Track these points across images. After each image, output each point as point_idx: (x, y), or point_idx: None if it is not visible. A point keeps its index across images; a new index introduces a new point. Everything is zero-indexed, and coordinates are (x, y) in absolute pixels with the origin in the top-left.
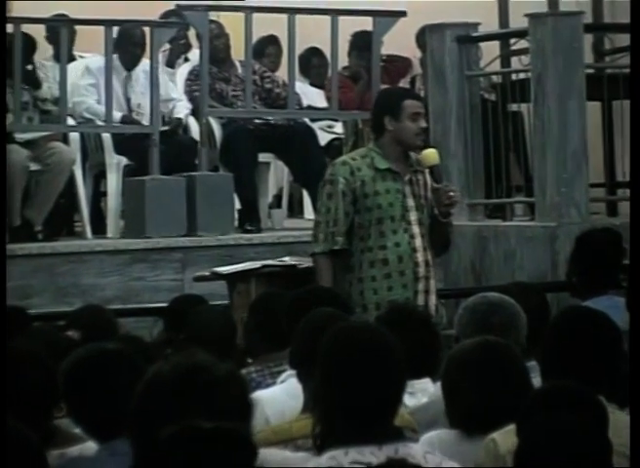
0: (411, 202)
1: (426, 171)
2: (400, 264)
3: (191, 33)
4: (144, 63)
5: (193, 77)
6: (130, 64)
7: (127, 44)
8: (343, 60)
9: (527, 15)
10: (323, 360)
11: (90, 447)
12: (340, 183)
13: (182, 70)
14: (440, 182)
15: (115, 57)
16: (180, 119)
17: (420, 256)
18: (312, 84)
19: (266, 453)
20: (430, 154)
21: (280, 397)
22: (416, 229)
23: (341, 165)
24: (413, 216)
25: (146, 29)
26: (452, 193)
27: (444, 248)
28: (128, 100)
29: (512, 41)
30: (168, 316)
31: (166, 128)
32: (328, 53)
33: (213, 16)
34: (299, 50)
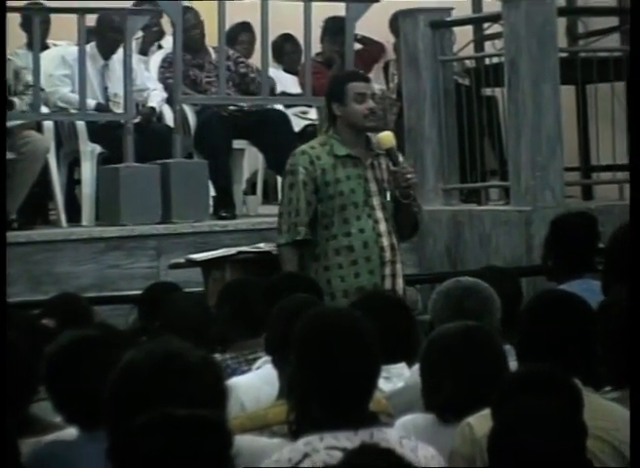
0: (373, 186)
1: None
2: (366, 250)
3: (164, 20)
4: (122, 53)
5: (167, 64)
6: (108, 52)
7: (106, 30)
8: (317, 46)
9: None
10: (297, 345)
11: (69, 433)
12: (300, 173)
13: (156, 58)
14: (397, 165)
15: (93, 45)
16: (153, 108)
17: (385, 241)
18: (286, 70)
19: (241, 440)
20: (385, 137)
21: (255, 383)
22: (379, 214)
23: (301, 154)
24: (376, 201)
25: None
26: (408, 175)
27: (412, 230)
28: (105, 89)
29: (485, 25)
30: (142, 304)
31: (139, 119)
32: (301, 39)
33: (186, 3)
34: (272, 36)
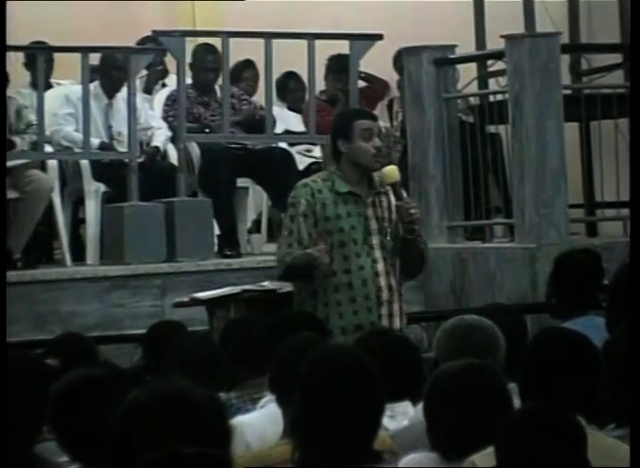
0: (373, 225)
1: (390, 191)
2: (364, 288)
3: (168, 59)
4: (126, 92)
5: (171, 102)
6: (112, 90)
7: (109, 68)
8: (321, 84)
9: (503, 36)
10: (302, 384)
11: None
12: (301, 205)
13: (160, 96)
14: (401, 199)
15: (97, 84)
16: (157, 147)
17: (382, 281)
18: (290, 108)
19: None
20: (390, 171)
21: (260, 422)
22: (378, 253)
23: (303, 187)
24: (375, 240)
25: None
26: (412, 210)
27: (419, 266)
28: (109, 128)
29: (489, 62)
30: (147, 342)
31: (142, 158)
32: (305, 76)
33: (190, 41)
34: (275, 74)
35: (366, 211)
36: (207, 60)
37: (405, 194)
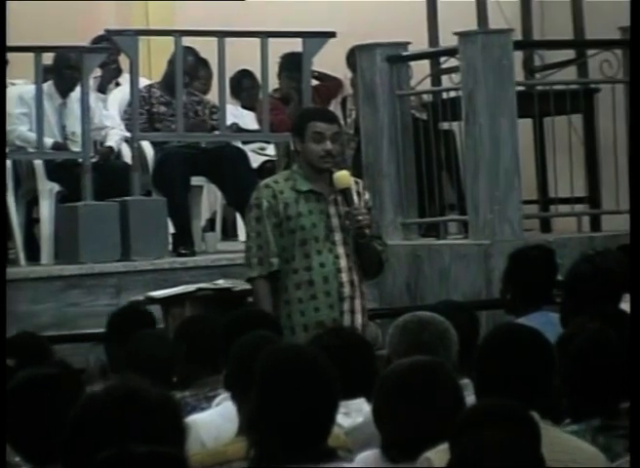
0: (335, 222)
1: (357, 193)
2: (326, 285)
3: (122, 58)
4: (80, 91)
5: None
6: (66, 90)
7: (63, 67)
8: (274, 82)
9: (456, 33)
10: (256, 381)
11: None
12: (263, 206)
13: (114, 95)
14: (351, 205)
15: (50, 83)
16: (111, 147)
17: (344, 277)
18: (244, 106)
19: None
20: (340, 177)
21: (215, 420)
22: (340, 249)
23: (265, 187)
24: (337, 237)
25: None
26: (360, 217)
27: (377, 268)
28: (63, 128)
29: (442, 59)
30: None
31: (96, 158)
32: (258, 75)
33: (142, 40)
34: (229, 72)
35: (327, 208)
36: (185, 61)
37: (367, 196)
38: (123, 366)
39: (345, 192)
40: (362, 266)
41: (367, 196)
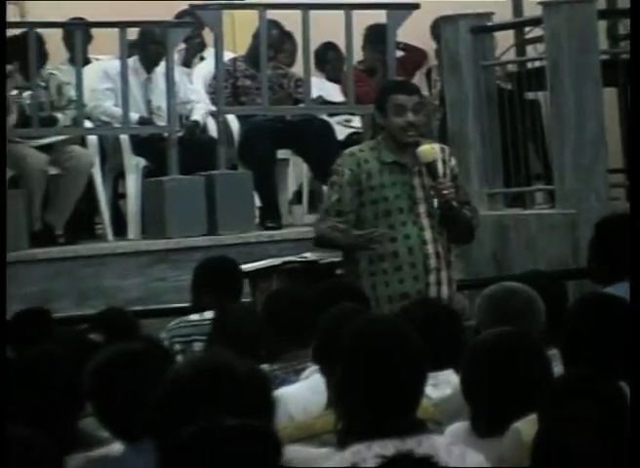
0: (419, 194)
1: (443, 160)
2: (410, 256)
3: (206, 32)
4: (164, 66)
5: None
6: (151, 65)
7: (148, 42)
8: (358, 54)
9: (540, 2)
10: (345, 353)
11: (115, 448)
12: (345, 174)
13: (199, 69)
14: (436, 179)
15: (135, 58)
16: (196, 121)
17: (430, 248)
18: (329, 79)
19: (290, 450)
20: (424, 151)
21: (303, 393)
22: (425, 221)
23: (349, 156)
24: (422, 209)
25: None
26: (445, 191)
27: (466, 235)
28: (148, 102)
29: (527, 29)
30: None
31: (182, 132)
32: (343, 47)
33: (226, 13)
34: (314, 45)
35: (412, 180)
36: (270, 35)
37: (453, 162)
38: (210, 339)
39: (430, 166)
40: (452, 235)
41: (453, 162)
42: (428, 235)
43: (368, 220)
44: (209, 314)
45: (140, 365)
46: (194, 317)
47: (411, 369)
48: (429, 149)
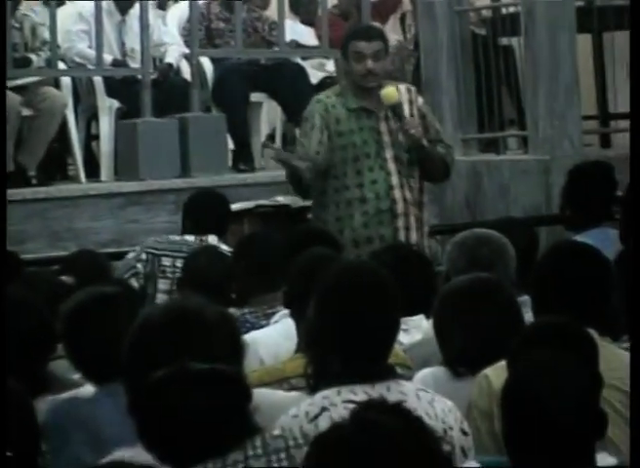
0: (387, 139)
1: (409, 101)
2: (377, 201)
3: None
4: (139, 8)
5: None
6: (125, 7)
7: None
8: None
9: None
10: (318, 298)
11: (86, 390)
12: (316, 119)
13: (173, 12)
14: (402, 120)
15: (110, 2)
16: (170, 64)
17: (397, 193)
18: (303, 22)
19: (260, 394)
20: (387, 94)
21: (274, 337)
22: (392, 166)
23: (317, 102)
24: (388, 154)
25: None
26: (412, 131)
27: (444, 171)
28: (122, 45)
29: None
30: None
31: (156, 74)
32: None
33: None
34: None
35: (378, 125)
36: None
37: (420, 101)
38: (179, 283)
39: (395, 108)
40: (427, 174)
41: (420, 102)
42: (395, 180)
43: (337, 166)
44: (190, 237)
45: (113, 308)
46: (175, 238)
47: (387, 315)
48: (392, 91)
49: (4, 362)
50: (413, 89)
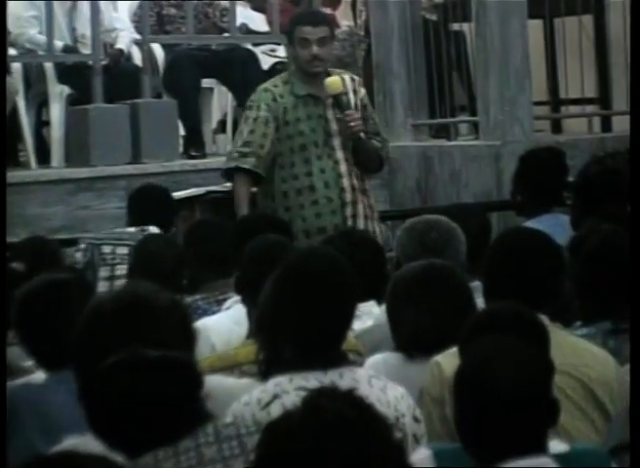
0: (334, 126)
1: (354, 91)
2: (327, 190)
3: None
4: None
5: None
6: None
7: None
8: None
9: None
10: (276, 284)
11: (38, 377)
12: (262, 110)
13: None
14: (344, 110)
15: None
16: (121, 49)
17: (345, 181)
18: (254, 8)
19: (210, 380)
20: (330, 83)
21: (226, 324)
22: (340, 154)
23: (264, 91)
24: (336, 142)
25: None
26: (352, 123)
27: (377, 165)
28: (73, 30)
29: None
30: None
31: (106, 60)
32: None
33: None
34: None
35: (326, 112)
36: None
37: (361, 93)
38: (130, 270)
39: (337, 98)
40: (360, 165)
41: (362, 92)
42: (343, 168)
43: (284, 155)
44: (131, 229)
45: (66, 294)
46: (116, 230)
47: (343, 302)
48: (336, 81)
49: (4, 362)
50: (357, 79)
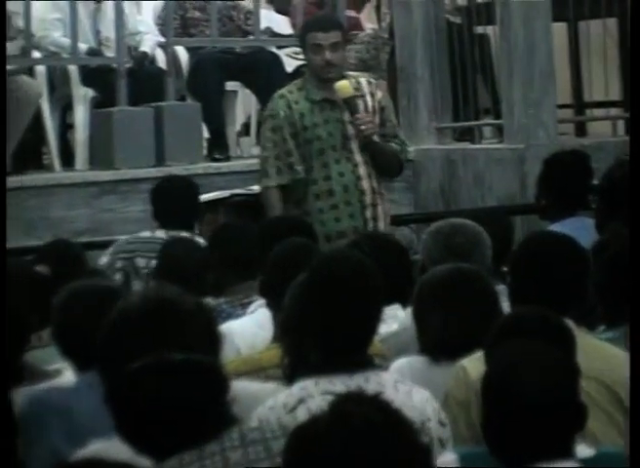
0: (351, 129)
1: (371, 94)
2: (346, 194)
3: None
4: None
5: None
6: None
7: None
8: None
9: None
10: (302, 288)
11: (64, 381)
12: (280, 116)
13: (148, 1)
14: (354, 114)
15: None
16: (145, 52)
17: (365, 184)
18: (278, 11)
19: (236, 385)
20: (340, 88)
21: (250, 327)
22: (358, 157)
23: (279, 98)
24: (354, 145)
25: None
26: (363, 127)
27: (396, 168)
28: (97, 33)
29: None
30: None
31: (131, 63)
32: None
33: None
34: None
35: (342, 116)
36: None
37: (378, 95)
38: (155, 273)
39: (348, 101)
40: (377, 169)
41: (379, 95)
42: (362, 171)
43: (304, 161)
44: (160, 233)
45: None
46: (145, 234)
47: (370, 306)
48: (345, 85)
49: (4, 361)
50: (374, 82)
